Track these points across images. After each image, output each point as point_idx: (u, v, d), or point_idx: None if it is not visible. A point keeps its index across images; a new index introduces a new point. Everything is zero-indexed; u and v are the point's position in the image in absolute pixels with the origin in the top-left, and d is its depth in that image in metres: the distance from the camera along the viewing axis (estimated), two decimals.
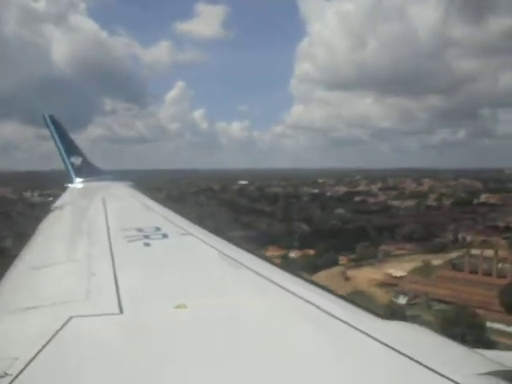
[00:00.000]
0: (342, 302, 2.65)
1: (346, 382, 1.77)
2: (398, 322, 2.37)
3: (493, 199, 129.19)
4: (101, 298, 2.74)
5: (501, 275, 61.79)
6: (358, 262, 75.16)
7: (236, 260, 3.56)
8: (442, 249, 77.76)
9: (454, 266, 68.11)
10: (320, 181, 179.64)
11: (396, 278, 66.80)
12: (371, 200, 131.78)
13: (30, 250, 4.65)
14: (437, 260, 72.22)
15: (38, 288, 3.24)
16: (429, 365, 1.75)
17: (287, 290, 2.77)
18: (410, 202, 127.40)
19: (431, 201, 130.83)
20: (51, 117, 11.91)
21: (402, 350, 1.87)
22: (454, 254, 71.70)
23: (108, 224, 5.29)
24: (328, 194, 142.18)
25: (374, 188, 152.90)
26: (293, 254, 77.29)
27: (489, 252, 65.10)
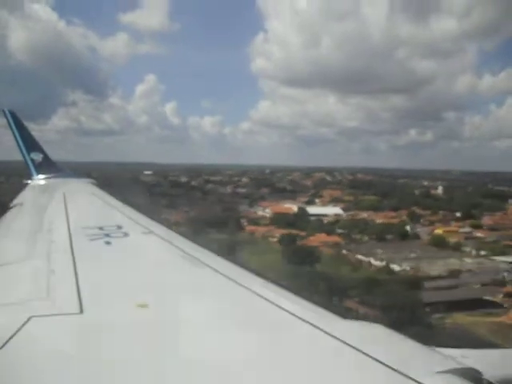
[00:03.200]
0: (304, 303, 2.69)
1: (307, 380, 1.79)
2: (358, 321, 2.39)
3: (331, 192, 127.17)
4: (61, 297, 2.70)
5: None
6: None
7: (196, 258, 3.65)
8: None
9: None
10: (228, 173, 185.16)
11: None
12: (220, 190, 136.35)
13: None
14: None
15: None
16: (388, 363, 1.78)
17: (249, 290, 2.80)
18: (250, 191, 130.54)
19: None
20: (11, 112, 11.64)
21: (362, 349, 1.91)
22: None
23: (69, 222, 5.25)
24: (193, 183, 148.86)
25: (246, 180, 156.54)
26: None
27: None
